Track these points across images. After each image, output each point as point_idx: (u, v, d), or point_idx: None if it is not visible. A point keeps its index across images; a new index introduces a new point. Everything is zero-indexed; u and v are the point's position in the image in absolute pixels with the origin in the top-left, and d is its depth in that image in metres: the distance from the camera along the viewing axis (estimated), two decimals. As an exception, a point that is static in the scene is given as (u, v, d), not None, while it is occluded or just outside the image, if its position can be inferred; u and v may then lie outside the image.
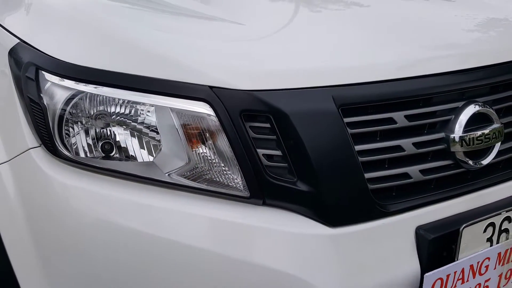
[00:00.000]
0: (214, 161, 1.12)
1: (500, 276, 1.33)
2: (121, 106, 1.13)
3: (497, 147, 1.32)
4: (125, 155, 1.15)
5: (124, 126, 1.14)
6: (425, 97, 1.24)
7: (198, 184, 1.14)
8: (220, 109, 1.08)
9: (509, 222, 1.31)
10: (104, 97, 1.12)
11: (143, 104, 1.12)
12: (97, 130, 1.15)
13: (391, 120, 1.20)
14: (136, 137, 1.15)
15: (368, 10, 1.48)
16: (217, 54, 1.13)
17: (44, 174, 1.15)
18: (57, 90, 1.14)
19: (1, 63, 1.29)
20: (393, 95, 1.19)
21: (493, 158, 1.33)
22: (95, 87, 1.12)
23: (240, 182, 1.12)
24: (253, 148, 1.10)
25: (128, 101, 1.12)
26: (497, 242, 1.31)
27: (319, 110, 1.12)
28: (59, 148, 1.14)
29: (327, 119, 1.12)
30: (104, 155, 1.16)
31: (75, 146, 1.15)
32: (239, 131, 1.09)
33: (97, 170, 1.15)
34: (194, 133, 1.11)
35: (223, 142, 1.10)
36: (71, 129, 1.15)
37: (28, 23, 1.30)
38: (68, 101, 1.13)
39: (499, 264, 1.32)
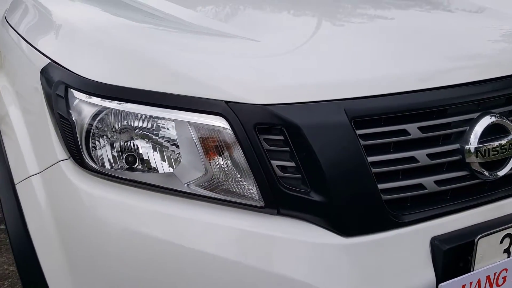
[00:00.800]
0: (230, 172, 1.17)
1: (519, 287, 1.33)
2: (143, 120, 1.20)
3: (514, 158, 1.33)
4: (147, 166, 1.21)
5: (147, 140, 1.21)
6: (439, 108, 1.26)
7: (215, 194, 1.19)
8: (235, 123, 1.13)
9: (527, 233, 1.31)
10: (128, 112, 1.19)
11: (164, 118, 1.18)
12: (122, 143, 1.21)
13: (404, 132, 1.22)
14: (157, 150, 1.21)
15: (382, 22, 1.51)
16: (232, 70, 1.19)
17: (73, 185, 1.22)
18: (85, 106, 1.22)
19: (33, 81, 1.38)
20: (406, 107, 1.22)
21: (511, 169, 1.33)
22: (119, 103, 1.19)
23: (255, 192, 1.17)
24: (267, 160, 1.15)
25: (150, 116, 1.18)
26: (516, 254, 1.31)
27: (331, 122, 1.15)
28: (86, 160, 1.21)
29: (339, 132, 1.15)
30: (128, 166, 1.22)
31: (101, 158, 1.22)
32: (253, 144, 1.14)
33: (122, 180, 1.22)
34: (211, 146, 1.17)
35: (238, 154, 1.15)
36: (97, 143, 1.22)
37: (58, 44, 1.39)
38: (94, 116, 1.21)
39: (518, 276, 1.31)
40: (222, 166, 1.17)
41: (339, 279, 1.15)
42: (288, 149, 1.16)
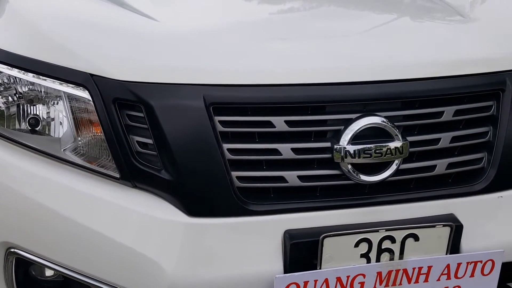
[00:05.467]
0: (93, 142, 1.26)
1: (384, 297, 1.29)
2: (28, 86, 1.30)
3: (396, 164, 1.28)
4: (32, 130, 1.32)
5: (31, 104, 1.31)
6: (313, 105, 1.25)
7: (82, 161, 1.27)
8: (96, 96, 1.21)
9: (393, 242, 1.27)
10: (15, 77, 1.30)
11: (41, 85, 1.28)
12: (11, 106, 1.33)
13: (269, 124, 1.23)
14: (39, 115, 1.30)
15: (271, 12, 1.51)
16: (103, 46, 1.27)
17: None
18: None
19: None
20: (271, 100, 1.23)
21: (392, 176, 1.29)
22: (9, 68, 1.31)
23: (113, 164, 1.24)
24: (123, 134, 1.21)
25: (33, 83, 1.29)
26: (377, 261, 1.27)
27: (185, 106, 1.19)
28: None
29: (193, 116, 1.19)
30: (20, 127, 1.34)
31: None
32: (111, 117, 1.21)
33: (9, 140, 1.34)
34: (78, 115, 1.26)
35: (98, 126, 1.23)
36: None
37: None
38: None
39: (380, 285, 1.28)
40: (87, 135, 1.26)
41: (176, 254, 1.20)
42: (146, 126, 1.22)
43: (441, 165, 1.34)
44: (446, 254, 1.31)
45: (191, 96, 1.20)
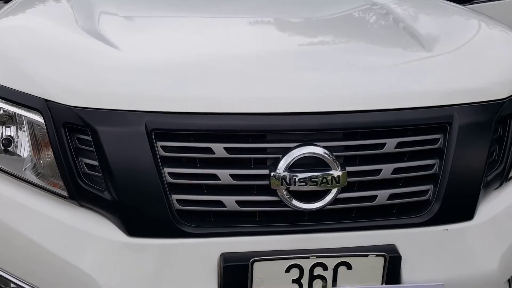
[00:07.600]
0: (46, 162, 1.35)
1: (319, 324, 1.31)
2: (2, 109, 1.42)
3: (333, 193, 1.31)
4: (7, 149, 1.41)
5: (7, 126, 1.42)
6: (253, 133, 1.31)
7: (37, 180, 1.37)
8: (48, 120, 1.31)
9: (325, 269, 1.29)
10: None
11: (10, 110, 1.39)
12: None
13: (209, 150, 1.30)
14: (15, 136, 1.41)
15: (234, 43, 1.58)
16: (58, 72, 1.36)
17: None
18: None
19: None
20: (212, 127, 1.29)
21: (329, 204, 1.32)
22: None
23: (62, 183, 1.33)
24: (71, 156, 1.30)
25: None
26: (310, 287, 1.29)
27: (128, 131, 1.27)
28: None
29: (135, 141, 1.27)
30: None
31: None
32: (60, 140, 1.30)
33: None
34: (34, 137, 1.36)
35: (50, 148, 1.32)
36: None
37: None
38: None
39: (314, 312, 1.30)
40: (41, 156, 1.36)
41: (115, 273, 1.26)
42: (93, 149, 1.30)
43: (382, 196, 1.36)
44: (382, 284, 1.32)
45: (133, 122, 1.27)
